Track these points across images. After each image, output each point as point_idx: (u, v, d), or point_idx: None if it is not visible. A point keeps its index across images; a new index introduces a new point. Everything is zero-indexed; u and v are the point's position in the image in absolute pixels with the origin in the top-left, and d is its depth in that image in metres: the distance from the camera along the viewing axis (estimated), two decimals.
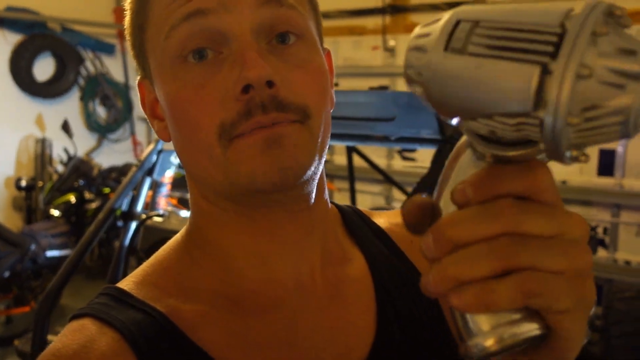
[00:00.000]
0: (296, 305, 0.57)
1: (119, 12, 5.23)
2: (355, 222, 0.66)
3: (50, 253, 3.76)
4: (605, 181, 3.59)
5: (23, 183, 4.53)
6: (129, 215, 1.96)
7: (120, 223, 2.01)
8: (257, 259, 0.56)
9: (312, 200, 0.57)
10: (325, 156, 0.56)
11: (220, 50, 0.50)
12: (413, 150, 4.33)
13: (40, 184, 4.60)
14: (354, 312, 0.59)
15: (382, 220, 0.69)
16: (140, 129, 5.59)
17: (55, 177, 4.56)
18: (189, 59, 0.50)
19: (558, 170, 3.70)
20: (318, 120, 0.53)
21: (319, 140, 0.53)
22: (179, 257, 0.58)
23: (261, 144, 0.49)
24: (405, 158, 4.38)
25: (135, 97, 5.46)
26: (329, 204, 0.62)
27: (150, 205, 2.15)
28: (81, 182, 4.25)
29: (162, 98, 0.54)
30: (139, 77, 0.59)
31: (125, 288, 0.55)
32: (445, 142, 1.53)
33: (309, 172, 0.52)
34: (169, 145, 2.23)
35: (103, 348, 0.49)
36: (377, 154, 4.31)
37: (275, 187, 0.50)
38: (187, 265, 0.57)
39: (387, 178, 2.68)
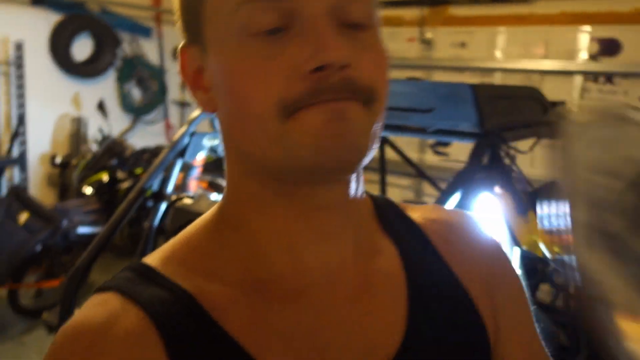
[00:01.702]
0: (323, 295, 0.55)
1: None
2: (388, 215, 0.64)
3: (82, 230, 3.82)
4: None
5: (58, 160, 4.62)
6: (160, 196, 1.96)
7: (150, 203, 2.01)
8: (288, 244, 0.54)
9: (352, 189, 0.55)
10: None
11: (292, 26, 0.49)
12: (447, 145, 4.26)
13: (74, 161, 4.68)
14: (384, 308, 0.57)
15: (416, 214, 0.66)
16: (174, 112, 5.63)
17: (89, 155, 4.62)
18: (258, 32, 0.48)
19: None
20: (381, 105, 0.51)
21: (379, 125, 0.52)
22: (209, 237, 0.56)
23: (327, 118, 0.47)
24: (438, 153, 4.32)
25: (170, 80, 5.51)
26: (364, 194, 0.60)
27: (181, 187, 2.16)
28: (114, 161, 4.31)
29: (217, 67, 0.52)
30: (182, 43, 0.56)
31: (152, 264, 0.54)
32: (483, 136, 1.49)
33: (368, 156, 0.51)
34: (202, 128, 2.23)
35: (127, 325, 0.48)
36: (409, 147, 4.26)
37: (339, 164, 0.49)
38: (216, 246, 0.56)
39: (419, 172, 2.63)
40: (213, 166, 3.80)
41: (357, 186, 0.56)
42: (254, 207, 0.55)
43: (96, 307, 0.50)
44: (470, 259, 0.64)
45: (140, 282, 0.52)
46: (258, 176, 0.53)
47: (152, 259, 0.55)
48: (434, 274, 0.61)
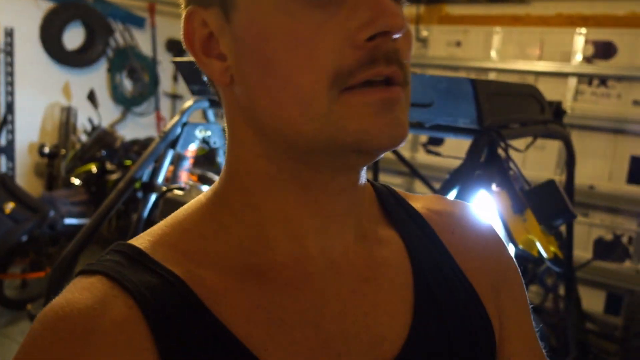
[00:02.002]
0: (326, 284, 0.52)
1: None
2: (391, 203, 0.61)
3: (69, 221, 3.77)
4: (635, 189, 3.49)
5: (46, 150, 4.55)
6: (149, 186, 1.93)
7: (140, 195, 1.98)
8: (293, 231, 0.51)
9: (363, 175, 0.53)
10: None
11: None
12: (439, 144, 4.25)
13: (63, 152, 4.61)
14: (389, 298, 0.54)
15: (419, 204, 0.64)
16: (165, 105, 5.57)
17: (78, 146, 4.56)
18: None
19: (586, 175, 3.62)
20: (410, 87, 0.49)
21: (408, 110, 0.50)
22: (204, 220, 0.53)
23: (378, 105, 0.45)
24: (430, 152, 4.30)
25: (162, 72, 5.45)
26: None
27: (172, 178, 2.12)
28: (103, 152, 4.25)
29: (246, 32, 0.47)
30: (189, 7, 0.50)
31: (141, 247, 0.50)
32: (482, 132, 1.47)
33: None
34: (194, 118, 2.20)
35: (114, 314, 0.44)
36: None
37: (381, 151, 0.47)
38: (213, 230, 0.52)
39: (412, 170, 2.61)
40: (203, 159, 3.76)
41: (364, 171, 0.54)
42: (263, 190, 0.51)
43: (81, 291, 0.46)
44: (475, 253, 0.62)
45: (128, 266, 0.48)
46: (277, 157, 0.50)
47: (141, 241, 0.51)
48: (440, 265, 0.59)
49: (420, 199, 0.65)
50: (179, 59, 2.07)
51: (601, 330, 3.18)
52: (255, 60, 0.46)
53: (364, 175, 0.54)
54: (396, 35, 0.45)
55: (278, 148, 0.49)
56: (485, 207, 1.45)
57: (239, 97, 0.50)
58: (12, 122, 4.40)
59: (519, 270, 0.67)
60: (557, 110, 2.02)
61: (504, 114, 1.53)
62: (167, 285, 0.47)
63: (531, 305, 0.66)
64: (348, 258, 0.54)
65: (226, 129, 0.54)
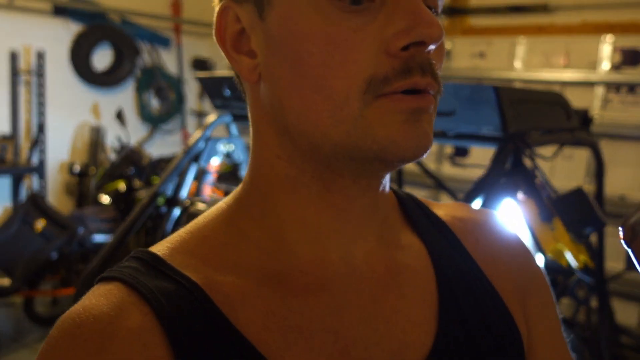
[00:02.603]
0: (348, 291, 0.51)
1: (176, 5, 5.31)
2: (413, 209, 0.60)
3: (98, 237, 3.82)
4: None
5: (76, 168, 4.64)
6: (173, 201, 1.94)
7: (164, 209, 1.99)
8: (314, 236, 0.51)
9: (386, 181, 0.53)
10: None
11: None
12: (465, 156, 4.21)
13: (92, 170, 4.70)
14: (412, 306, 0.53)
15: (442, 212, 0.62)
16: (191, 122, 5.65)
17: (107, 164, 4.64)
18: None
19: (617, 185, 3.54)
20: (438, 101, 0.49)
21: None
22: (224, 227, 0.52)
23: (408, 113, 0.44)
24: (456, 164, 4.26)
25: (189, 91, 5.53)
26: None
27: (196, 193, 2.14)
28: (131, 170, 4.31)
29: (282, 31, 0.46)
30: (224, 1, 0.50)
31: (159, 253, 0.50)
32: (506, 140, 1.44)
33: None
34: (218, 133, 2.22)
35: (130, 321, 0.44)
36: (426, 158, 4.20)
37: (404, 161, 0.46)
38: (232, 236, 0.52)
39: (438, 183, 2.58)
40: (229, 175, 3.78)
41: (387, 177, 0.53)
42: (284, 194, 0.51)
43: (98, 298, 0.46)
44: (500, 261, 0.60)
45: (146, 273, 0.48)
46: (300, 159, 0.49)
47: (160, 248, 0.51)
48: (464, 272, 0.57)
49: (443, 207, 0.64)
50: (202, 73, 2.09)
51: (636, 343, 3.08)
52: (287, 59, 0.46)
53: (386, 181, 0.53)
54: (432, 47, 0.44)
55: (301, 150, 0.49)
56: (512, 216, 1.42)
57: (266, 96, 0.49)
58: (44, 142, 4.50)
59: (548, 279, 0.65)
60: (585, 117, 1.98)
61: (528, 121, 1.51)
62: (184, 292, 0.46)
63: (561, 317, 0.64)
64: (369, 264, 0.52)
65: (250, 129, 0.53)
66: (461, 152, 4.23)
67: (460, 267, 0.57)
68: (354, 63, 0.44)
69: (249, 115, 0.53)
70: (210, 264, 0.49)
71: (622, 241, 0.39)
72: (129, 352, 0.43)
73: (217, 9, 0.50)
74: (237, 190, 0.55)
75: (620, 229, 0.41)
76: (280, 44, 0.46)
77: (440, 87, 0.47)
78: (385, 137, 0.44)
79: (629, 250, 0.40)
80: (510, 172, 1.45)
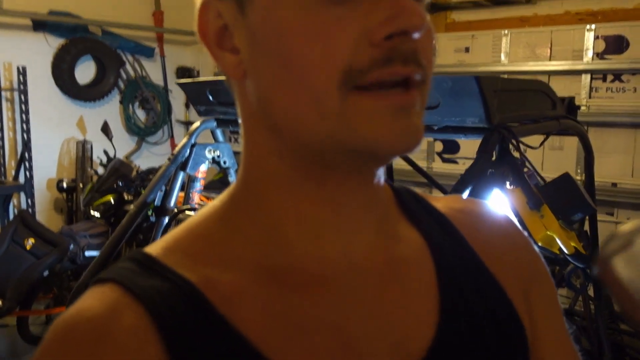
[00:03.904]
0: (347, 286, 0.50)
1: (158, 15, 5.29)
2: (410, 202, 0.59)
3: (89, 253, 3.79)
4: None
5: (64, 185, 4.60)
6: (162, 210, 1.92)
7: (153, 218, 1.97)
8: (311, 231, 0.49)
9: (380, 173, 0.51)
10: None
11: None
12: (455, 152, 4.21)
13: (80, 185, 4.66)
14: (413, 298, 0.52)
15: (440, 204, 0.61)
16: (179, 132, 5.62)
17: (95, 178, 4.60)
18: None
19: (608, 173, 3.54)
20: (428, 88, 0.47)
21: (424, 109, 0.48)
22: (218, 224, 0.51)
23: (392, 110, 0.43)
24: (446, 160, 4.25)
25: (174, 100, 5.51)
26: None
27: (184, 200, 2.11)
28: (120, 183, 4.28)
29: (261, 25, 0.45)
30: None
31: (153, 253, 0.49)
32: (492, 130, 1.43)
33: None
34: (203, 139, 2.20)
35: (124, 322, 0.43)
36: (417, 155, 4.20)
37: (394, 156, 0.46)
38: (227, 233, 0.50)
39: (430, 180, 2.57)
40: (219, 184, 3.75)
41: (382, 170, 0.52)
42: (278, 190, 0.49)
43: (92, 299, 0.46)
44: (501, 252, 0.59)
45: (140, 273, 0.47)
46: (290, 155, 0.48)
47: (154, 248, 0.50)
48: (465, 263, 0.56)
49: (441, 199, 0.63)
50: (183, 80, 2.07)
51: (636, 330, 3.07)
52: (269, 55, 0.45)
53: (381, 174, 0.52)
54: (415, 35, 0.43)
55: (290, 146, 0.48)
56: (500, 206, 1.41)
57: (252, 92, 0.48)
58: (30, 160, 4.45)
59: (548, 269, 0.64)
60: (570, 105, 1.97)
61: (513, 110, 1.50)
62: (179, 291, 0.46)
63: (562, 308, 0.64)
64: (368, 257, 0.51)
65: (241, 126, 0.52)
66: (451, 149, 4.23)
67: (461, 258, 0.57)
68: (333, 55, 0.42)
69: (238, 112, 0.52)
70: (205, 262, 0.48)
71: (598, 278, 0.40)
72: (122, 354, 0.43)
73: (198, 5, 0.49)
74: (231, 187, 0.54)
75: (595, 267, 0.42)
76: (262, 39, 0.45)
77: (428, 74, 0.46)
78: (370, 133, 0.43)
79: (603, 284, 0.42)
80: (497, 162, 1.44)
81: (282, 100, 0.46)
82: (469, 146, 4.08)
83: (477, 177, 1.36)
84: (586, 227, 2.14)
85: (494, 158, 1.45)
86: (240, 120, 0.52)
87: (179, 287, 0.46)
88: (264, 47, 0.45)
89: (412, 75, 0.44)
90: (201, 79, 2.38)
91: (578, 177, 3.51)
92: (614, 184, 3.56)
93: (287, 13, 0.43)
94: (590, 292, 2.45)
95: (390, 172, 2.28)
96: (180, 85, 1.99)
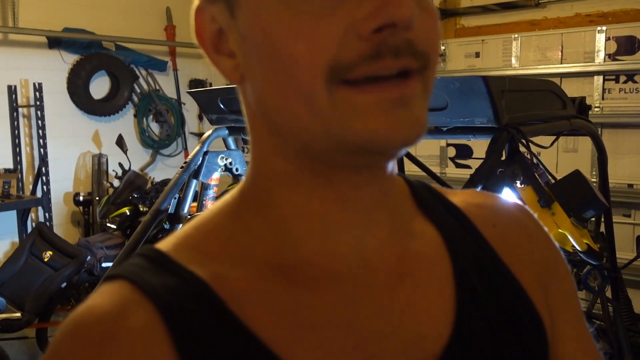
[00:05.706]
0: (359, 282, 0.49)
1: (170, 29, 5.35)
2: (426, 196, 0.58)
3: (106, 264, 3.82)
4: None
5: (80, 198, 4.66)
6: (176, 217, 1.94)
7: (167, 226, 1.99)
8: (321, 227, 0.49)
9: (390, 166, 0.50)
10: None
11: None
12: (468, 157, 4.19)
13: (97, 198, 4.71)
14: (428, 296, 0.51)
15: (457, 199, 0.60)
16: (192, 144, 5.67)
17: (111, 191, 4.65)
18: None
19: (624, 174, 3.51)
20: (433, 74, 0.46)
21: (429, 97, 0.46)
22: (228, 221, 0.51)
23: (387, 103, 0.42)
24: (459, 165, 4.24)
25: (187, 112, 5.56)
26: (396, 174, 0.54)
27: (197, 208, 2.13)
28: (135, 195, 4.32)
29: (250, 27, 0.45)
30: (198, 3, 0.49)
31: (164, 249, 0.49)
32: (501, 130, 1.43)
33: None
34: (216, 146, 2.22)
35: (133, 320, 0.43)
36: (430, 161, 4.19)
37: (395, 150, 0.44)
38: (237, 230, 0.50)
39: (445, 186, 2.57)
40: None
41: (392, 163, 0.51)
42: (286, 189, 0.49)
43: (102, 297, 0.45)
44: (519, 246, 0.58)
45: (150, 269, 0.47)
46: (293, 155, 0.48)
47: (165, 244, 0.50)
48: (481, 258, 0.55)
49: (458, 194, 0.62)
50: (194, 90, 2.10)
51: None
52: (259, 56, 0.45)
53: (390, 168, 0.50)
54: (405, 27, 0.41)
55: (292, 146, 0.47)
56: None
57: (251, 95, 0.48)
58: (47, 174, 4.52)
59: (569, 267, 0.62)
60: (581, 105, 1.96)
61: (521, 110, 1.49)
62: (189, 288, 0.45)
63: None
64: (381, 254, 0.50)
65: (247, 128, 0.52)
66: (464, 154, 4.22)
67: (478, 254, 0.55)
68: (319, 50, 0.41)
69: (244, 114, 0.52)
70: (215, 259, 0.48)
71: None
72: (131, 351, 0.42)
73: (193, 10, 0.50)
74: (242, 183, 0.54)
75: None
76: (253, 41, 0.45)
77: (431, 60, 0.44)
78: (363, 127, 0.42)
79: None
80: (507, 161, 1.44)
81: (275, 100, 0.45)
82: (482, 151, 4.07)
83: (486, 177, 1.36)
84: (602, 228, 2.12)
85: (503, 157, 1.45)
86: (246, 122, 0.52)
87: (189, 283, 0.46)
88: (254, 49, 0.45)
89: (407, 67, 0.42)
90: (211, 87, 2.40)
91: (593, 180, 3.48)
92: (630, 185, 3.53)
93: (272, 12, 0.43)
94: (608, 294, 2.42)
95: (401, 165, 2.26)
96: (192, 94, 2.02)
